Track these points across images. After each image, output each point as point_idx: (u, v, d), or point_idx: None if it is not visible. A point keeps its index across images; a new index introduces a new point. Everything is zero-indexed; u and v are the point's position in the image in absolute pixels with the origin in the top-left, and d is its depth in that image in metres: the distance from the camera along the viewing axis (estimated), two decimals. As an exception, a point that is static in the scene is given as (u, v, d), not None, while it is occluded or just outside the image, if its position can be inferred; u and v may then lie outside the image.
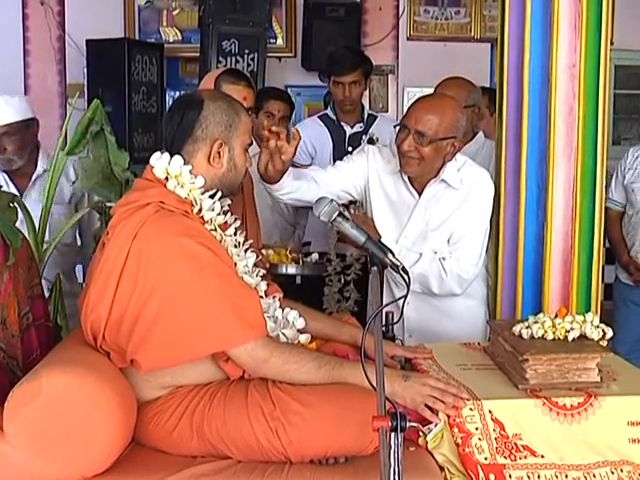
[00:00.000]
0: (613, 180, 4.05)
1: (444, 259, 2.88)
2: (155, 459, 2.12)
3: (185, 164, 2.23)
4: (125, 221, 2.15)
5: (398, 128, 2.80)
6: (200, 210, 2.22)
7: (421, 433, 2.11)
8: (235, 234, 2.33)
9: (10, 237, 2.55)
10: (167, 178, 2.23)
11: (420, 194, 2.91)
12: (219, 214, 2.26)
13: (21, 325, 2.58)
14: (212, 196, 2.25)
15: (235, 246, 2.31)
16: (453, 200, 2.90)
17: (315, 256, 3.40)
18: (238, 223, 2.37)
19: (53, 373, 2.01)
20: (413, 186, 2.91)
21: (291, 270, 3.19)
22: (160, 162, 2.24)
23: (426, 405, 2.10)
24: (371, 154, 3.00)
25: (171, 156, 2.24)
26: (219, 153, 2.26)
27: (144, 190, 2.24)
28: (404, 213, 2.94)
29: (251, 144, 2.37)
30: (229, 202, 2.37)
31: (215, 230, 2.25)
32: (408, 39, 5.83)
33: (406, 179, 2.91)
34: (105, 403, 1.99)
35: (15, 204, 2.95)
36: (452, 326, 3.00)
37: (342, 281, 3.89)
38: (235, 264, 2.27)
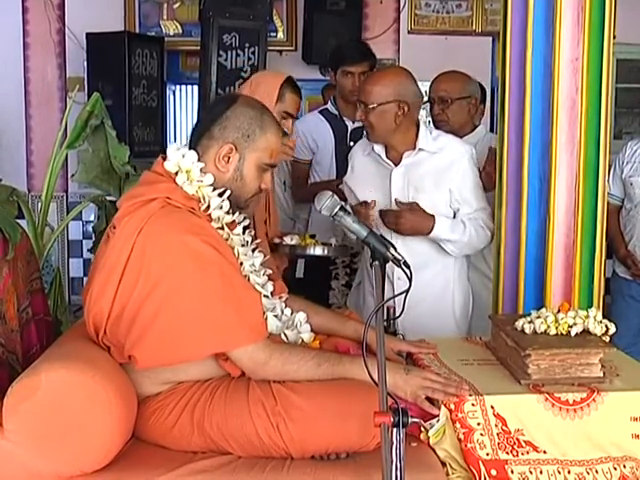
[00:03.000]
0: (611, 174, 4.03)
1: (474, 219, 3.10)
2: (155, 455, 2.11)
3: (199, 161, 2.21)
4: (130, 215, 2.13)
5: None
6: (208, 207, 2.19)
7: (423, 429, 2.10)
8: (243, 233, 2.30)
9: (9, 231, 2.54)
10: (177, 172, 2.21)
11: (397, 165, 3.11)
12: (227, 212, 2.23)
13: (20, 320, 2.57)
14: (221, 194, 2.22)
15: (242, 245, 2.28)
16: (436, 164, 3.08)
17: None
18: (247, 222, 2.35)
19: (52, 368, 2.00)
20: (388, 158, 3.12)
21: (318, 251, 3.19)
22: (175, 154, 2.21)
23: (427, 398, 2.10)
24: (347, 182, 3.30)
25: (190, 148, 2.23)
26: (228, 158, 2.23)
27: (151, 184, 2.21)
28: (386, 183, 3.12)
29: (273, 166, 2.31)
30: None
31: (222, 228, 2.22)
32: (409, 33, 5.81)
33: (380, 152, 3.12)
34: (105, 398, 1.98)
35: (15, 197, 2.94)
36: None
37: (349, 271, 3.89)
38: (241, 263, 2.24)
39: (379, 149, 3.13)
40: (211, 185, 2.20)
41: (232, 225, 2.26)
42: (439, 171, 3.08)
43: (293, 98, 3.07)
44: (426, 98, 3.51)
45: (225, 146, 2.22)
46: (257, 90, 3.02)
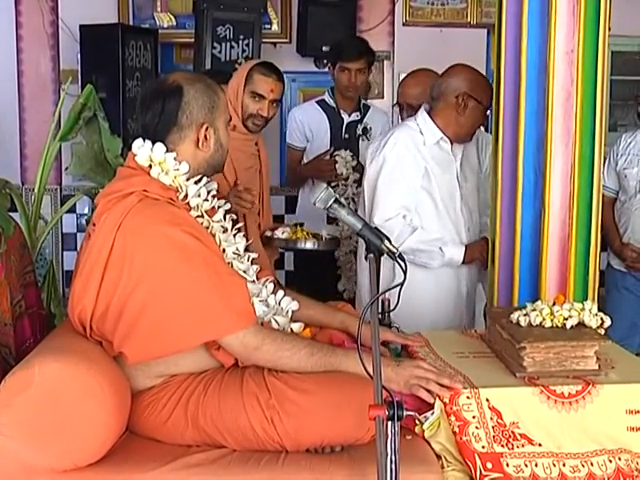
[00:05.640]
0: (606, 166, 4.04)
1: None
2: (149, 448, 2.10)
3: (168, 151, 2.20)
4: (109, 211, 2.13)
5: (483, 110, 3.19)
6: (185, 196, 2.19)
7: (418, 421, 2.09)
8: (224, 219, 2.30)
9: (2, 224, 2.53)
10: (150, 166, 2.20)
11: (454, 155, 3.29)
12: (205, 200, 2.23)
13: (14, 313, 2.56)
14: (197, 182, 2.22)
15: (224, 231, 2.28)
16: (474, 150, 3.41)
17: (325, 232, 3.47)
18: (228, 206, 2.35)
19: (46, 362, 2.00)
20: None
21: (309, 245, 3.23)
22: (143, 150, 2.21)
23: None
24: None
25: (153, 143, 2.21)
26: (206, 137, 2.24)
27: (127, 179, 2.20)
28: (453, 174, 3.26)
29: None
30: (215, 186, 2.33)
31: (202, 216, 2.22)
32: (404, 25, 5.77)
33: (446, 145, 3.24)
34: (99, 392, 1.98)
35: (7, 190, 2.93)
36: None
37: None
38: (224, 250, 2.25)
39: (446, 142, 3.22)
40: (187, 173, 2.20)
41: (212, 212, 2.27)
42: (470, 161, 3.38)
43: (262, 79, 3.13)
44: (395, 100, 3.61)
45: (201, 129, 2.23)
46: (234, 76, 3.20)
